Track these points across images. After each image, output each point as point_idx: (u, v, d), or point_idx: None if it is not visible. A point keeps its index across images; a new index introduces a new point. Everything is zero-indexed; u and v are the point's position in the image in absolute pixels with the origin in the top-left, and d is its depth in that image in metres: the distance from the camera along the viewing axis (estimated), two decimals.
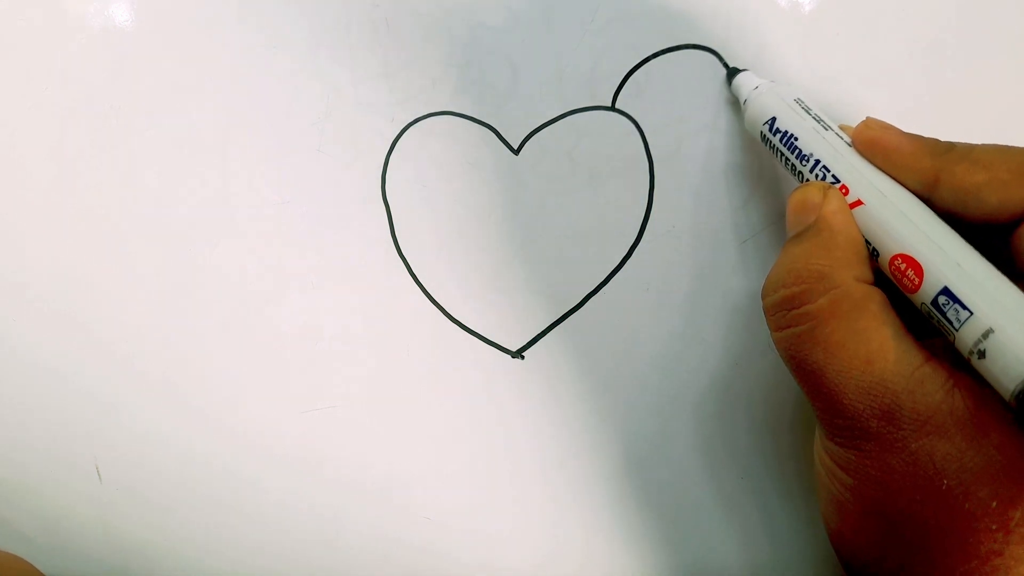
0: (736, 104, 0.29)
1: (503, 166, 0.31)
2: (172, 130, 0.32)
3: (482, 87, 0.32)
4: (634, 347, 0.30)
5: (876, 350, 0.20)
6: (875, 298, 0.21)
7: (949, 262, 0.20)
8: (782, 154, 0.25)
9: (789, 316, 0.21)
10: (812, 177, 0.24)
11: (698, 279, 0.30)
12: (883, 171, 0.23)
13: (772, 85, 0.27)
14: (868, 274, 0.22)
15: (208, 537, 0.30)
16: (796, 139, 0.24)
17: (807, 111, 0.25)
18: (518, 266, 0.30)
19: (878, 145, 0.23)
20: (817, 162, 0.24)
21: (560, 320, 0.30)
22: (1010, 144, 0.22)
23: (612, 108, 0.31)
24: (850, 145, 0.24)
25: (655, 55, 0.31)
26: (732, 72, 0.29)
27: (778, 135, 0.25)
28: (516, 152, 0.31)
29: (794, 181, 0.25)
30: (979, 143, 0.22)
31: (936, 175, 0.21)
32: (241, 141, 0.32)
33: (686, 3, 0.32)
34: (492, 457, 0.30)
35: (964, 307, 0.19)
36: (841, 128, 0.25)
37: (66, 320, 0.32)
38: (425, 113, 0.32)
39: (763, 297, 0.23)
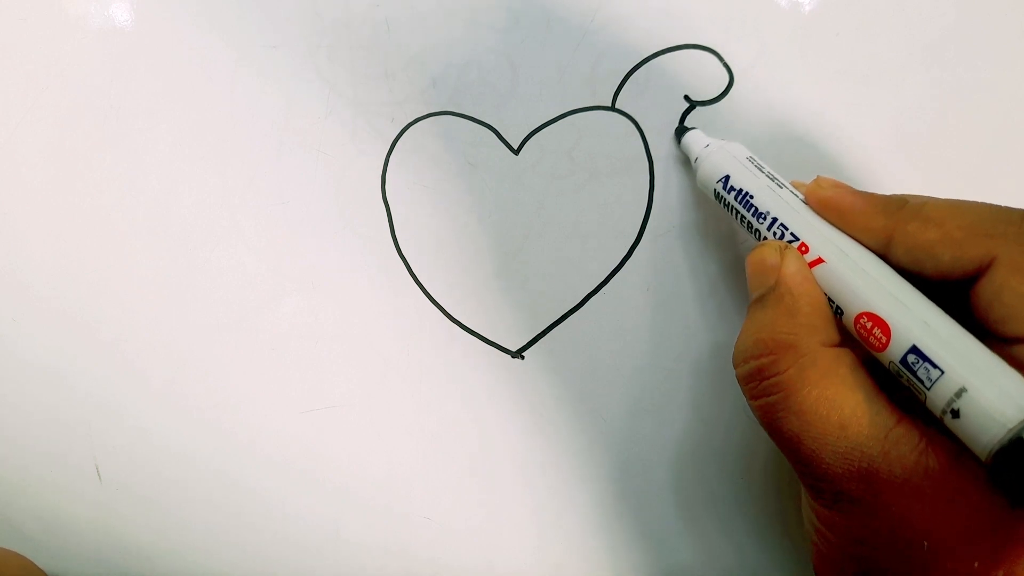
0: (685, 161, 0.29)
1: (503, 166, 0.31)
2: (172, 130, 0.32)
3: (482, 87, 0.32)
4: (634, 347, 0.30)
5: (849, 415, 0.20)
6: (844, 361, 0.21)
7: (915, 320, 0.20)
8: (737, 212, 0.25)
9: (761, 387, 0.22)
10: (769, 235, 0.24)
11: (698, 279, 0.30)
12: (840, 229, 0.23)
13: (723, 143, 0.26)
14: (834, 335, 0.22)
15: (208, 537, 0.30)
16: (751, 196, 0.24)
17: (760, 169, 0.25)
18: (518, 266, 0.30)
19: (831, 205, 0.23)
20: (774, 220, 0.23)
21: (560, 320, 0.30)
22: (968, 200, 0.22)
23: (612, 108, 0.31)
24: (805, 203, 0.24)
25: (655, 55, 0.31)
26: (681, 130, 0.29)
27: (732, 193, 0.25)
28: (516, 152, 0.31)
29: (750, 239, 0.25)
30: (931, 197, 0.22)
31: (890, 233, 0.22)
32: (241, 141, 0.32)
33: (686, 3, 0.32)
34: (492, 457, 0.30)
35: (935, 366, 0.19)
36: (794, 184, 0.25)
37: (66, 320, 0.32)
38: (425, 113, 0.32)
39: (734, 366, 0.23)
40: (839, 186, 0.23)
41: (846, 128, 0.31)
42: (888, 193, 0.23)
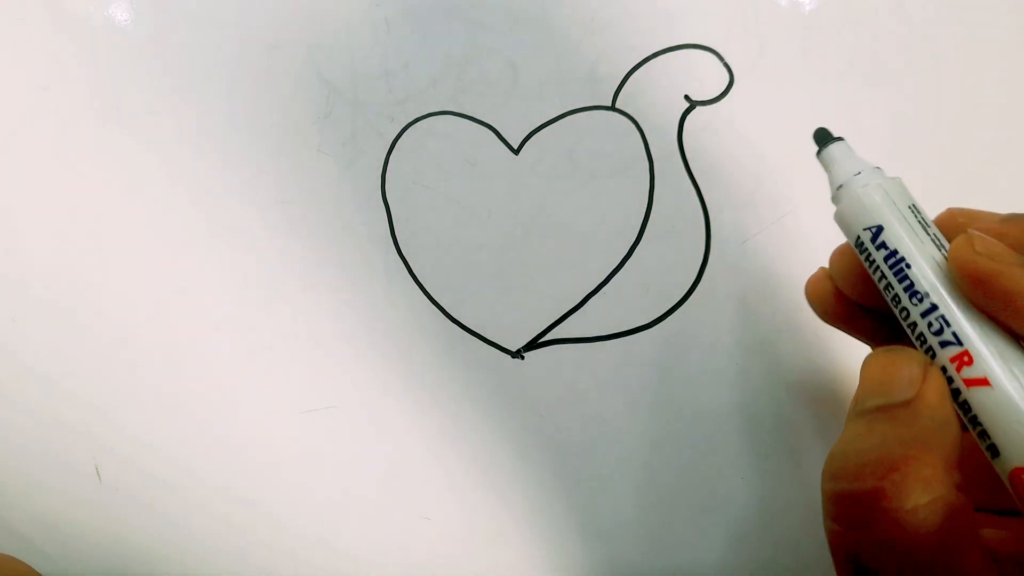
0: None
1: (503, 166, 0.31)
2: (172, 130, 0.32)
3: (482, 87, 0.32)
4: (634, 347, 0.30)
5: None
6: (971, 511, 0.17)
7: None
8: (882, 275, 0.19)
9: (871, 521, 0.17)
10: (921, 323, 0.18)
11: (698, 279, 0.30)
12: (1006, 328, 0.17)
13: (880, 175, 0.20)
14: (981, 494, 0.18)
15: (207, 537, 0.30)
16: (909, 267, 0.18)
17: (926, 227, 0.19)
18: (518, 266, 0.30)
19: (993, 288, 0.17)
20: (933, 307, 0.18)
21: (560, 320, 0.30)
22: None
23: (612, 108, 0.31)
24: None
25: (655, 55, 0.31)
26: (823, 136, 0.22)
27: (884, 252, 0.19)
28: (516, 152, 0.31)
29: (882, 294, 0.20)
30: None
31: None
32: (241, 141, 0.32)
33: (686, 3, 0.32)
34: (492, 457, 0.30)
35: None
36: (940, 224, 0.19)
37: (66, 320, 0.31)
38: (425, 113, 0.32)
39: (832, 478, 0.18)
40: (1002, 256, 0.17)
41: (846, 128, 0.31)
42: None
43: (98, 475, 0.31)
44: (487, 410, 0.30)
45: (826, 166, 0.21)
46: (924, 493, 0.16)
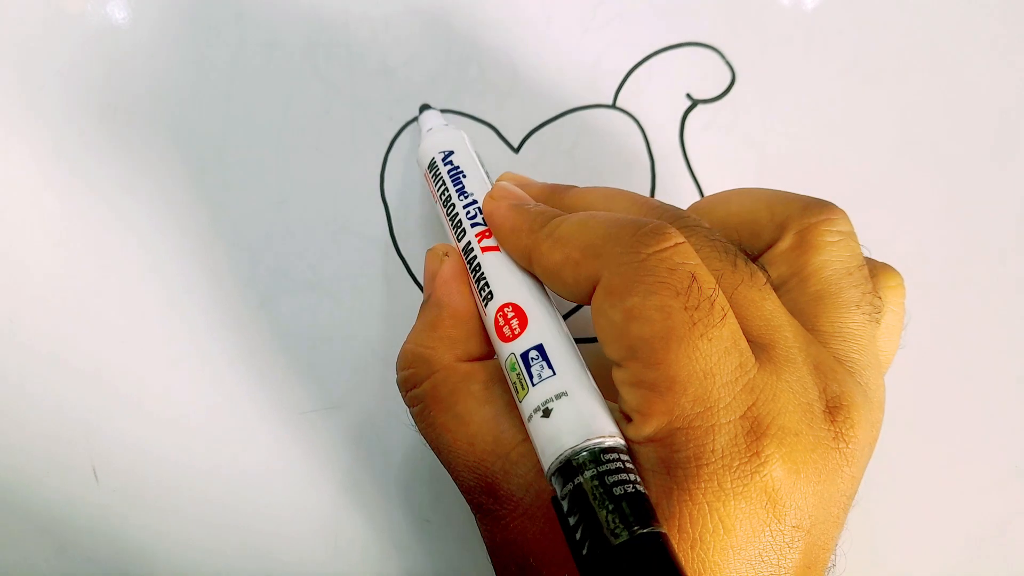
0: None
1: (503, 165, 0.31)
2: (170, 130, 0.32)
3: (482, 85, 0.31)
4: None
5: (475, 432, 0.21)
6: (477, 377, 0.21)
7: (552, 324, 0.21)
8: (444, 185, 0.26)
9: (407, 397, 0.23)
10: (463, 213, 0.24)
11: None
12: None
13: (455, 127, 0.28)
14: (475, 349, 0.22)
15: (206, 538, 0.30)
16: (465, 176, 0.25)
17: (481, 162, 0.27)
18: None
19: (492, 220, 0.23)
20: (474, 201, 0.24)
21: None
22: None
23: (613, 106, 0.31)
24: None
25: (656, 52, 0.31)
26: (425, 106, 0.31)
27: (449, 167, 0.26)
28: (516, 151, 0.31)
29: (447, 226, 0.25)
30: (576, 214, 0.21)
31: (528, 255, 0.21)
32: (239, 140, 0.32)
33: (688, 1, 0.31)
34: None
35: (550, 366, 0.20)
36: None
37: (63, 319, 0.31)
38: None
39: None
40: (506, 197, 0.23)
41: (848, 126, 0.30)
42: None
43: (95, 475, 0.31)
44: None
45: (426, 120, 0.29)
46: (427, 372, 0.22)
